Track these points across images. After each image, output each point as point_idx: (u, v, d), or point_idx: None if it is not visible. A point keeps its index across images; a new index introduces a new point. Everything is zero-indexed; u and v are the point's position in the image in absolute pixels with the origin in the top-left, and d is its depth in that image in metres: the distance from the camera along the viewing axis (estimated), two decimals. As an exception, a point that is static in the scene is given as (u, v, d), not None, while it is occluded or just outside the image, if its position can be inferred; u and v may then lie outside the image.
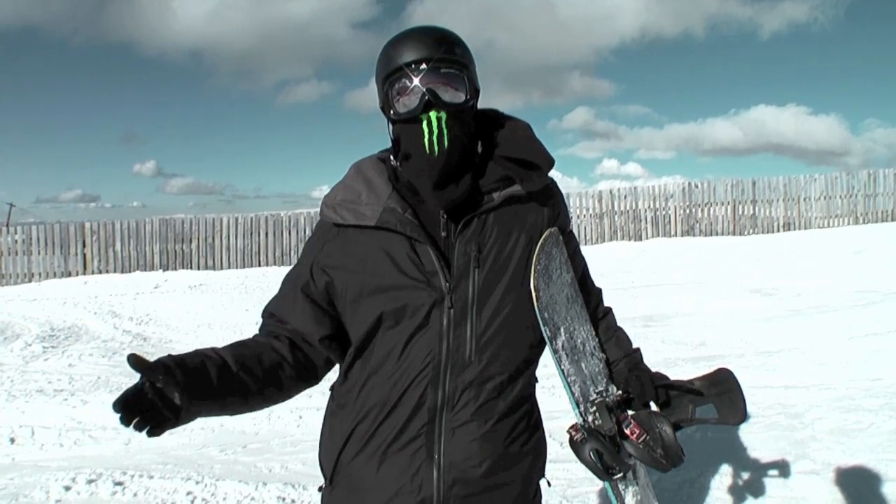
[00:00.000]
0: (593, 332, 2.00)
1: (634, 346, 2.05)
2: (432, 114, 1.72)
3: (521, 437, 1.86)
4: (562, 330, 1.86)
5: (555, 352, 1.83)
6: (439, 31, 1.81)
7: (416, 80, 1.73)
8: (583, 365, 1.90)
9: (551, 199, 1.91)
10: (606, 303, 2.14)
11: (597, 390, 1.90)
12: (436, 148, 1.73)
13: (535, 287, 1.78)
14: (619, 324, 2.12)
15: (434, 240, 1.77)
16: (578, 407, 1.85)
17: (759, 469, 4.40)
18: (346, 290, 1.82)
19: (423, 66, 1.73)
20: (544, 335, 1.82)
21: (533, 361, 1.88)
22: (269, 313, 1.95)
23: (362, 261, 1.80)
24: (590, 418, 1.85)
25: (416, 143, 1.76)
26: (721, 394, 1.91)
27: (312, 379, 1.92)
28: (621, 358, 2.00)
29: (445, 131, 1.73)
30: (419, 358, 1.76)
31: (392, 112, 1.80)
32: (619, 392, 1.92)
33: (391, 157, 1.88)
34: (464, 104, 1.76)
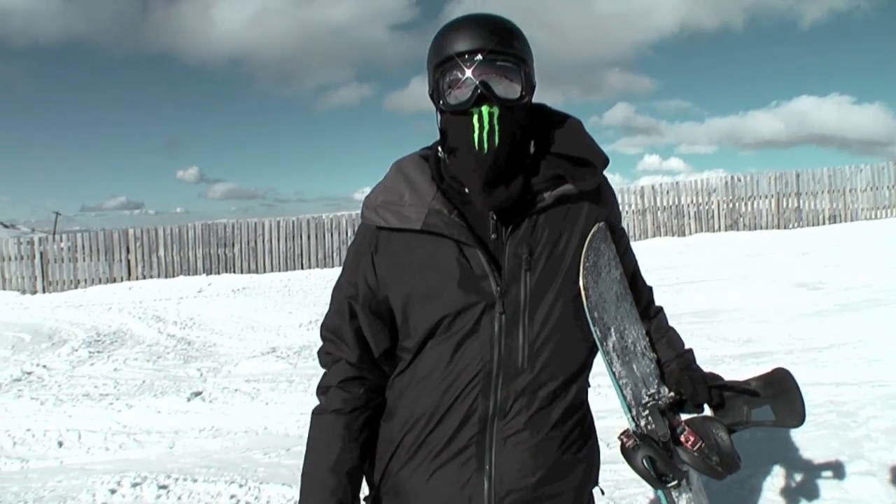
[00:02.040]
0: (643, 332, 1.92)
1: (686, 346, 1.97)
2: (484, 108, 1.62)
3: (574, 444, 1.79)
4: (612, 330, 1.79)
5: (605, 353, 1.75)
6: (497, 19, 1.70)
7: (468, 72, 1.63)
8: (634, 366, 1.83)
9: (603, 196, 1.82)
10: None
11: (648, 392, 1.83)
12: (485, 145, 1.63)
13: (584, 285, 1.70)
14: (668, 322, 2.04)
15: (483, 243, 1.69)
16: (631, 411, 1.78)
17: (812, 470, 4.28)
18: (395, 298, 1.75)
19: (478, 56, 1.63)
20: (594, 336, 1.74)
21: (587, 367, 1.81)
22: (328, 332, 1.87)
23: (409, 267, 1.72)
24: (642, 422, 1.78)
25: (465, 138, 1.66)
26: (778, 395, 1.81)
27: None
28: (673, 358, 1.92)
29: (497, 128, 1.63)
30: (470, 366, 1.69)
31: (441, 102, 1.70)
32: (671, 394, 1.83)
33: (439, 149, 1.78)
34: (518, 100, 1.66)
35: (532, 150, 1.74)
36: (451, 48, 1.66)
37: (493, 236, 1.70)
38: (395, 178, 1.79)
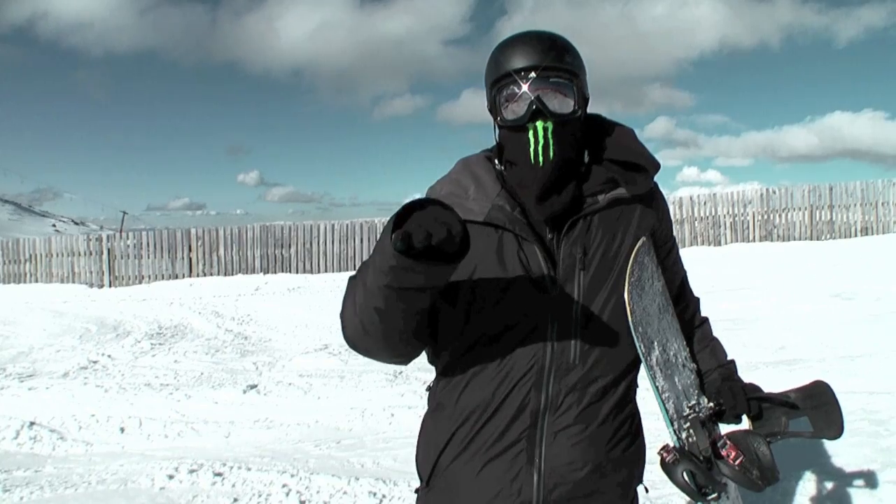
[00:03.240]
0: (684, 342, 1.89)
1: (729, 357, 1.93)
2: (539, 123, 1.63)
3: (623, 441, 1.77)
4: (655, 344, 1.75)
5: (649, 368, 1.72)
6: (550, 36, 1.70)
7: (524, 87, 1.64)
8: (676, 379, 1.79)
9: (655, 202, 1.81)
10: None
11: (689, 405, 1.79)
12: (541, 158, 1.64)
13: (628, 301, 1.67)
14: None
15: (542, 239, 1.68)
16: (672, 424, 1.75)
17: (844, 477, 4.17)
18: (459, 289, 1.70)
19: (532, 73, 1.64)
20: (638, 351, 1.71)
21: (636, 365, 1.78)
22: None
23: (468, 258, 1.64)
24: (683, 435, 1.75)
25: (522, 152, 1.67)
26: (817, 407, 1.79)
27: (411, 353, 1.72)
28: (714, 368, 1.89)
29: (552, 142, 1.63)
30: (523, 361, 1.67)
31: (499, 118, 1.71)
32: (711, 404, 1.80)
33: (496, 161, 1.78)
34: (571, 114, 1.66)
35: (586, 158, 1.74)
36: (507, 65, 1.67)
37: (549, 236, 1.69)
38: (462, 173, 1.78)
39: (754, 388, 1.82)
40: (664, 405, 1.74)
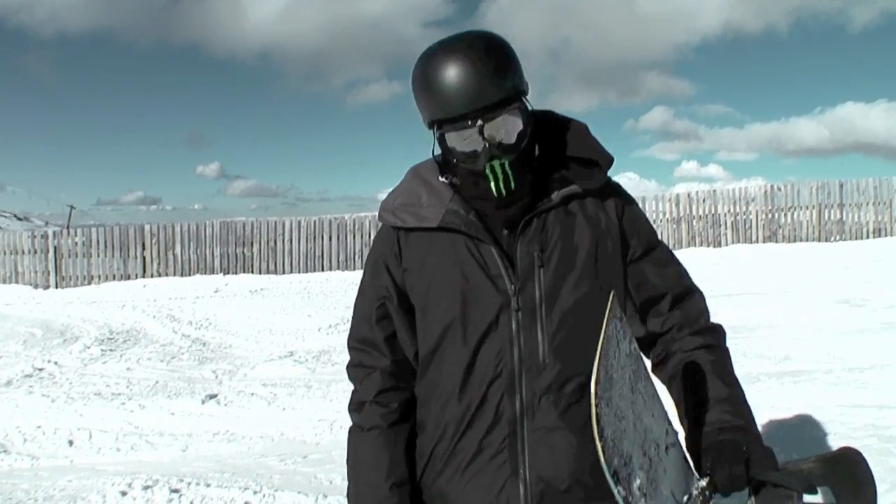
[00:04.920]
0: (662, 411, 1.63)
1: (740, 404, 1.74)
2: (495, 163, 1.67)
3: None
4: (634, 459, 1.46)
5: (624, 501, 1.40)
6: (472, 72, 1.63)
7: (470, 132, 1.65)
8: (662, 489, 1.53)
9: (612, 196, 1.84)
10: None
11: (683, 502, 1.57)
12: (503, 191, 1.69)
13: (597, 415, 1.37)
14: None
15: (498, 241, 1.75)
16: None
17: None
18: (416, 296, 1.82)
19: (474, 118, 1.64)
20: (609, 482, 1.39)
21: None
22: (357, 342, 1.93)
23: (426, 265, 1.80)
24: None
25: (482, 188, 1.72)
26: (844, 480, 1.54)
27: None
28: (713, 422, 1.68)
29: (511, 174, 1.68)
30: (490, 365, 1.72)
31: (449, 151, 1.73)
32: (703, 483, 1.57)
33: (445, 170, 1.83)
34: (521, 135, 1.69)
35: (537, 152, 1.78)
36: (441, 111, 1.68)
37: (505, 233, 1.76)
38: (413, 182, 1.88)
39: (763, 459, 1.59)
40: None
